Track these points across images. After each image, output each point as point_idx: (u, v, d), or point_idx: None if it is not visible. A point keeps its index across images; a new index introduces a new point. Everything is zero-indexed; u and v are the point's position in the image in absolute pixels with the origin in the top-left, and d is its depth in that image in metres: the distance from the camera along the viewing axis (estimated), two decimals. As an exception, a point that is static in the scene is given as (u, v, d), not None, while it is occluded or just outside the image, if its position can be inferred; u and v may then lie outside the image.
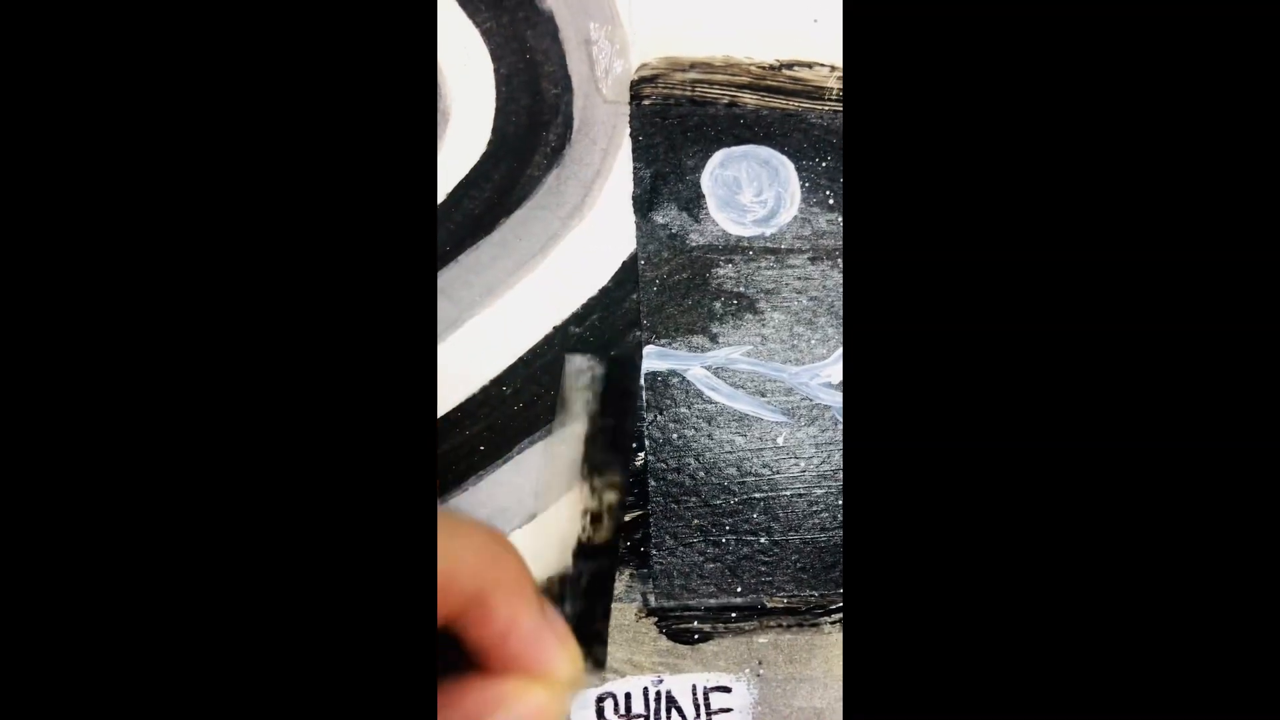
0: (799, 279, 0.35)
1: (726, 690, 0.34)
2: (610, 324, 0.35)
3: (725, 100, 0.36)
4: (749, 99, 0.36)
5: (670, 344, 0.35)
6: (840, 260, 0.35)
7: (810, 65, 0.36)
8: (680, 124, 0.36)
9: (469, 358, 0.34)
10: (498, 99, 0.35)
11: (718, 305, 0.35)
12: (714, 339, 0.35)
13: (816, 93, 0.36)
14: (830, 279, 0.35)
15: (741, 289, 0.35)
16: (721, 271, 0.35)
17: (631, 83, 0.35)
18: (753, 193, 0.35)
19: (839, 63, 0.36)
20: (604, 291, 0.35)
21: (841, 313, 0.35)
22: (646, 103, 0.35)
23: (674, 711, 0.33)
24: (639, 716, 0.33)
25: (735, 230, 0.35)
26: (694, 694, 0.34)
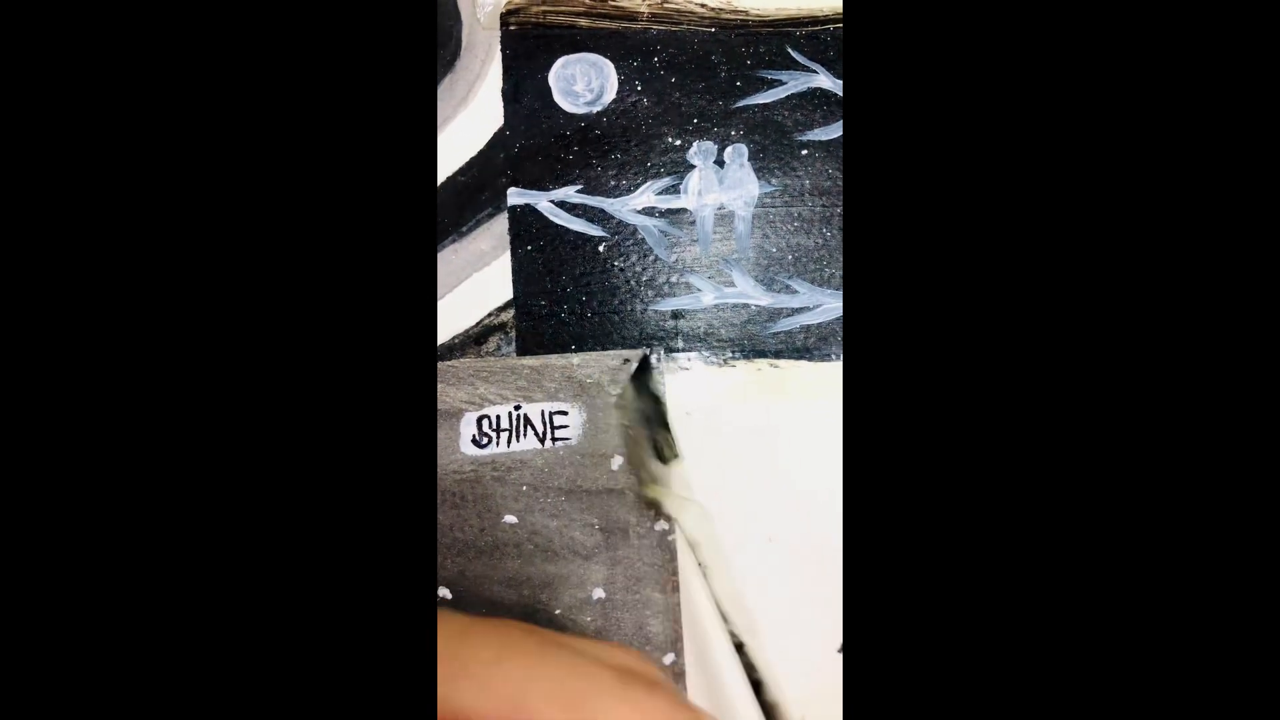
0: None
1: (564, 413, 0.50)
2: (487, 171, 0.51)
3: (567, 24, 0.52)
4: (584, 22, 0.52)
5: (529, 187, 0.51)
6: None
7: (624, -3, 0.52)
8: (536, 40, 0.52)
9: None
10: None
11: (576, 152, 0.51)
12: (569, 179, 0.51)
13: (629, 16, 0.52)
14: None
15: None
16: (574, 146, 0.51)
17: (501, 14, 0.52)
18: (583, 84, 0.52)
19: (643, -6, 0.52)
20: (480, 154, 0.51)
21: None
22: (513, 28, 0.52)
23: (528, 428, 0.50)
24: (504, 431, 0.50)
25: (570, 109, 0.52)
26: (542, 417, 0.50)
